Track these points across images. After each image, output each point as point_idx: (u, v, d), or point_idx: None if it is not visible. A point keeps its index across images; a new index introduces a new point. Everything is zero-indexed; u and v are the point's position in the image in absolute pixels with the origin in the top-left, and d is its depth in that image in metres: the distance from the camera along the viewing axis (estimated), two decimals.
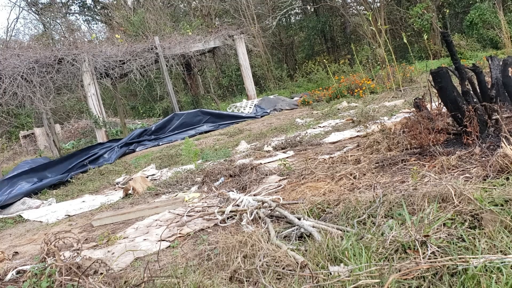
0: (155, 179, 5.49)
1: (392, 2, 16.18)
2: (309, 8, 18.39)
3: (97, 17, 22.49)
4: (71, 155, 7.70)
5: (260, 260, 1.96)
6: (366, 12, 12.48)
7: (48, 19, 19.53)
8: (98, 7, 21.40)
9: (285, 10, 16.27)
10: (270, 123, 8.31)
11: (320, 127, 6.48)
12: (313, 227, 2.31)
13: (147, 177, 5.36)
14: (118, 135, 11.90)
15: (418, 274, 1.60)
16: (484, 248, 1.67)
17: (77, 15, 24.63)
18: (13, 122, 12.68)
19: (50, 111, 10.49)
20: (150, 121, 16.08)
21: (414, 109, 3.87)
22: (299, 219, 2.49)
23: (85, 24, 24.18)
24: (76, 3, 24.14)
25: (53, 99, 9.30)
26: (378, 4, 15.07)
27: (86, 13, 23.96)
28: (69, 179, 6.67)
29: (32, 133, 14.67)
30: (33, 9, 21.23)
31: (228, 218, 3.02)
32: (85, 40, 12.42)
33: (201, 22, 15.43)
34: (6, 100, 8.41)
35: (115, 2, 17.93)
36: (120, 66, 10.31)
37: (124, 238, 3.18)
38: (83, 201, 5.05)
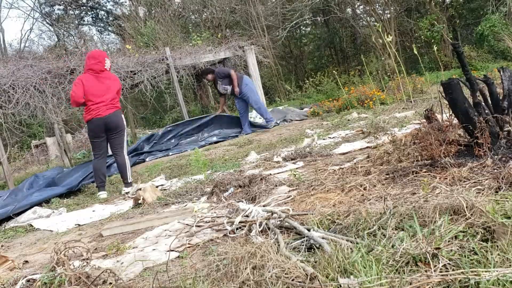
0: (164, 189, 5.50)
1: (402, 14, 16.19)
2: (319, 19, 18.46)
3: (109, 28, 22.79)
4: (82, 165, 7.75)
5: (269, 272, 1.95)
6: (376, 23, 12.48)
7: (61, 30, 19.81)
8: (111, 18, 21.68)
9: (295, 21, 16.34)
10: (280, 133, 8.31)
11: (330, 138, 6.46)
12: (323, 238, 2.29)
13: (157, 187, 5.37)
14: (128, 145, 11.96)
15: (430, 287, 1.58)
16: (496, 262, 1.65)
17: (90, 26, 24.98)
18: (25, 132, 12.82)
19: (61, 121, 10.60)
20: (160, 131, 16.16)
21: (424, 120, 3.85)
22: (308, 230, 2.48)
23: (97, 35, 24.51)
24: (89, 14, 24.49)
25: (65, 109, 9.39)
26: (388, 16, 15.09)
27: (99, 24, 24.29)
28: (80, 188, 6.72)
29: (44, 143, 14.80)
30: (47, 20, 21.57)
31: (237, 228, 3.01)
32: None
33: (211, 33, 15.56)
34: (18, 110, 8.51)
35: (127, 13, 18.16)
36: (131, 77, 10.40)
37: (134, 248, 3.18)
38: (93, 211, 5.07)
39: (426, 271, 1.70)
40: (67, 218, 4.92)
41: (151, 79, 10.60)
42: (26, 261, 3.44)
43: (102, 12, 24.60)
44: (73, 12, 22.92)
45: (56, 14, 22.96)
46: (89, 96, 5.84)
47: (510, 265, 1.62)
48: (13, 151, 13.39)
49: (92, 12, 25.04)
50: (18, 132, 9.39)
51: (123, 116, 6.33)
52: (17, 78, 8.62)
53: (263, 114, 9.56)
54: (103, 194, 6.00)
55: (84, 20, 25.10)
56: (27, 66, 9.07)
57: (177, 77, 10.99)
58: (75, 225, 4.57)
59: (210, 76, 9.67)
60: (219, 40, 13.30)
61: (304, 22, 17.47)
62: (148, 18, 17.25)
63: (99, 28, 25.02)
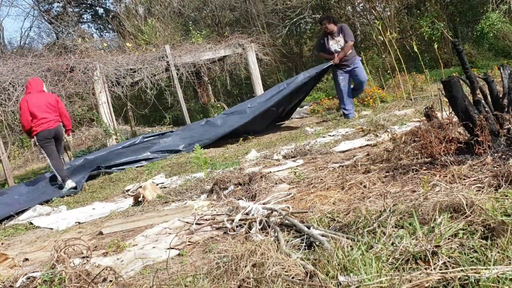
0: (164, 187, 5.50)
1: (402, 11, 16.17)
2: (319, 17, 18.42)
3: (109, 26, 22.76)
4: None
5: (269, 269, 1.95)
6: (376, 21, 12.46)
7: (61, 27, 19.79)
8: (110, 16, 21.65)
9: (295, 19, 16.32)
10: (279, 131, 8.31)
11: (329, 135, 6.46)
12: (323, 236, 2.30)
13: (157, 185, 5.37)
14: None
15: (429, 285, 1.58)
16: (496, 259, 1.65)
17: (89, 23, 24.95)
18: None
19: None
20: (160, 129, 16.15)
21: (424, 118, 3.85)
22: (308, 227, 2.48)
23: (97, 33, 24.48)
24: (89, 12, 24.45)
25: (65, 106, 9.38)
26: (389, 13, 15.07)
27: (98, 22, 24.25)
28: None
29: None
30: (46, 18, 21.54)
31: (237, 226, 3.01)
32: (97, 49, 12.55)
33: (211, 31, 15.53)
34: (18, 108, 8.50)
35: (126, 11, 18.13)
36: (131, 75, 10.39)
37: (134, 245, 3.19)
38: (93, 209, 5.07)
39: (426, 268, 1.70)
40: (67, 216, 4.93)
41: (151, 77, 10.59)
42: (26, 259, 3.45)
43: (102, 10, 24.60)
44: (72, 10, 22.90)
45: (55, 11, 22.95)
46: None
47: (509, 263, 1.62)
48: (13, 149, 13.39)
49: (91, 10, 25.02)
50: (18, 129, 9.38)
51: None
52: (17, 76, 8.62)
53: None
54: (71, 183, 6.50)
55: (83, 18, 25.09)
56: (27, 64, 9.06)
57: (177, 75, 10.98)
58: (75, 223, 4.58)
59: (332, 26, 7.99)
60: (219, 38, 13.29)
61: (304, 19, 17.43)
62: (148, 16, 17.23)
63: (98, 26, 25.01)
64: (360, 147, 5.07)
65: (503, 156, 3.01)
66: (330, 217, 2.68)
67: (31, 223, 4.93)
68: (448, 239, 1.90)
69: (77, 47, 11.32)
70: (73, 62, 9.29)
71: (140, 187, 5.15)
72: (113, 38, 20.21)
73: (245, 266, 2.03)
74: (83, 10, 24.81)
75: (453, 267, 1.67)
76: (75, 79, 9.19)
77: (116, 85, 10.09)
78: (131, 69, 10.29)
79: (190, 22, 16.37)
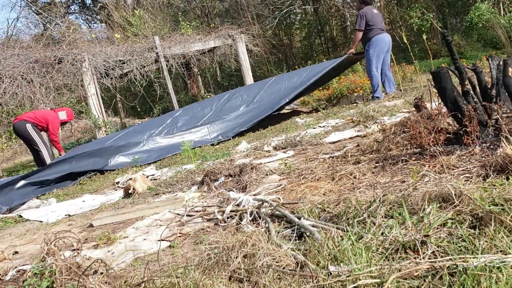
0: (155, 179, 5.49)
1: (392, 2, 16.18)
2: (308, 7, 18.39)
3: (97, 17, 22.51)
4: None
5: (260, 260, 1.96)
6: None
7: (48, 18, 19.53)
8: (98, 7, 21.41)
9: (285, 10, 16.27)
10: (270, 123, 8.30)
11: (320, 127, 6.48)
12: (313, 226, 2.31)
13: (147, 177, 5.36)
14: None
15: (419, 274, 1.60)
16: (484, 248, 1.67)
17: (77, 14, 24.65)
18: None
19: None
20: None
21: (414, 109, 3.87)
22: (299, 218, 2.49)
23: (85, 24, 24.20)
24: (76, 3, 24.15)
25: (53, 99, 9.29)
26: (378, 4, 15.07)
27: (86, 13, 23.96)
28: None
29: None
30: (33, 9, 21.23)
31: (228, 218, 3.02)
32: (85, 40, 12.41)
33: (201, 22, 15.43)
34: (6, 100, 8.41)
35: (114, 1, 17.93)
36: (120, 66, 10.31)
37: (124, 237, 3.18)
38: (83, 201, 5.04)
39: (415, 258, 1.72)
40: (57, 208, 4.90)
41: (140, 69, 10.52)
42: (16, 252, 3.42)
43: (89, 1, 24.29)
44: (60, 0, 22.58)
45: (42, 2, 22.62)
46: None
47: (497, 252, 1.64)
48: (1, 142, 13.25)
49: (79, 0, 24.70)
50: (6, 122, 9.28)
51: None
52: (4, 67, 8.51)
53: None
54: None
55: (71, 9, 24.76)
56: (14, 55, 8.95)
57: (167, 66, 10.92)
58: (65, 215, 4.55)
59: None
60: (209, 29, 13.20)
61: (294, 10, 17.38)
62: (136, 6, 17.06)
63: (86, 17, 24.71)
64: (350, 138, 5.09)
65: (491, 146, 3.04)
66: (320, 208, 2.69)
67: (20, 216, 4.90)
68: (437, 228, 1.92)
69: (65, 38, 11.19)
70: (61, 54, 9.20)
71: (130, 179, 5.13)
72: (102, 30, 20.00)
73: (236, 257, 2.04)
74: (70, 0, 24.50)
75: (442, 256, 1.69)
76: (63, 71, 9.11)
77: (105, 77, 10.01)
78: (120, 60, 10.21)
79: (180, 13, 16.25)
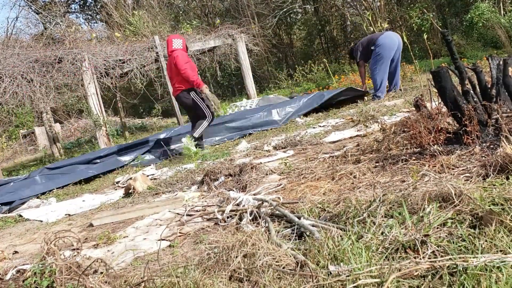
0: (155, 179, 5.49)
1: (392, 2, 16.18)
2: (309, 7, 18.39)
3: (97, 16, 22.50)
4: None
5: (260, 260, 1.96)
6: (366, 11, 12.47)
7: (48, 17, 19.52)
8: (98, 6, 21.40)
9: (285, 9, 16.27)
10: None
11: (320, 126, 6.47)
12: (313, 226, 2.31)
13: (147, 176, 5.36)
14: (118, 135, 11.92)
15: (418, 274, 1.60)
16: (484, 248, 1.67)
17: (77, 13, 24.64)
18: (14, 122, 12.67)
19: (50, 110, 10.50)
20: (150, 120, 16.07)
21: (414, 108, 3.87)
22: (299, 218, 2.49)
23: (85, 23, 24.20)
24: (77, 2, 24.14)
25: (53, 98, 9.29)
26: (379, 4, 15.07)
27: (87, 12, 23.95)
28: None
29: (32, 132, 14.66)
30: (32, 8, 21.23)
31: (228, 217, 3.02)
32: (86, 39, 12.42)
33: (201, 22, 15.42)
34: (6, 100, 8.41)
35: (114, 1, 17.92)
36: (120, 65, 10.31)
37: (124, 237, 3.18)
38: (83, 201, 5.05)
39: (415, 257, 1.72)
40: (56, 208, 4.90)
41: (140, 68, 10.52)
42: (16, 252, 3.43)
43: (90, 0, 24.27)
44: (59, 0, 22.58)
45: (42, 1, 22.59)
46: None
47: (497, 251, 1.64)
48: (1, 141, 13.26)
49: (80, 0, 24.69)
50: (6, 121, 9.29)
51: None
52: (4, 67, 8.51)
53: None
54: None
55: (71, 8, 24.75)
56: (14, 54, 8.95)
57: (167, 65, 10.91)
58: (65, 215, 4.55)
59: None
60: (209, 28, 13.20)
61: (295, 9, 17.38)
62: (136, 6, 17.06)
63: (86, 16, 24.70)
64: (350, 137, 5.09)
65: (491, 146, 3.04)
66: (320, 207, 2.69)
67: (20, 216, 4.90)
68: (437, 228, 1.92)
69: (65, 38, 11.20)
70: (61, 53, 9.19)
71: (131, 178, 5.13)
72: (102, 29, 19.98)
73: (236, 257, 2.04)
74: (71, 0, 24.49)
75: (441, 256, 1.69)
76: (63, 70, 9.10)
77: (105, 76, 10.01)
78: (120, 60, 10.21)
79: (180, 12, 16.25)
